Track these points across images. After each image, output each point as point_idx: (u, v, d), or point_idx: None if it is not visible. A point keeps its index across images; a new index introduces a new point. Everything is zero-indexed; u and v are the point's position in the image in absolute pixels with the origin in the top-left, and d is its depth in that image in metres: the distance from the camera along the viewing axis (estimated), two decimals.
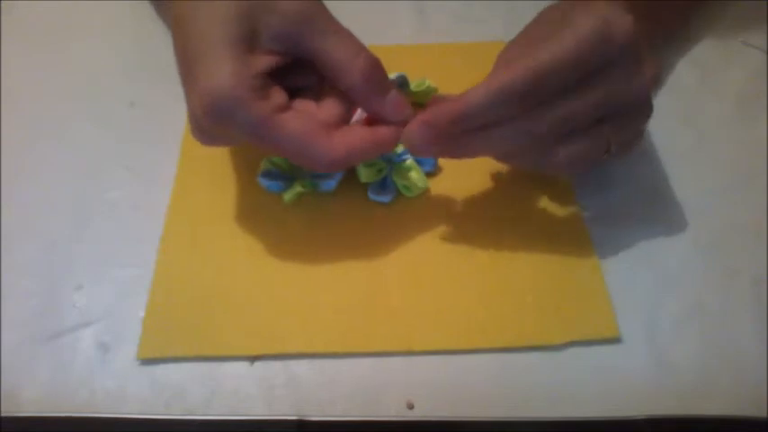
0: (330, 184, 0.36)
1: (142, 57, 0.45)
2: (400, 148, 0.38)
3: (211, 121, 0.30)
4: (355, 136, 0.31)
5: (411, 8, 0.48)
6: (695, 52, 0.44)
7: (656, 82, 0.31)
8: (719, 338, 0.32)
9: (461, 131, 0.30)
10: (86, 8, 0.48)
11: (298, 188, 0.36)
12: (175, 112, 0.41)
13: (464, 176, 0.38)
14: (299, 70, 0.32)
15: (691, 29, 0.45)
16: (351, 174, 0.37)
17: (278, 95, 0.30)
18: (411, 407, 0.30)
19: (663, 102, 0.42)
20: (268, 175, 0.36)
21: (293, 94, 0.32)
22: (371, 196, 0.37)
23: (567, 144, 0.31)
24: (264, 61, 0.30)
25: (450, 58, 0.44)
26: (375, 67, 0.31)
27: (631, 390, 0.31)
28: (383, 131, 0.32)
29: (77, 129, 0.41)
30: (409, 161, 0.37)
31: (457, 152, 0.32)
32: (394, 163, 0.37)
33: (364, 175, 0.36)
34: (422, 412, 0.30)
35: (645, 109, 0.32)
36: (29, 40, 0.46)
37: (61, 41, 0.46)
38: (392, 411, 0.30)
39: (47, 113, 0.42)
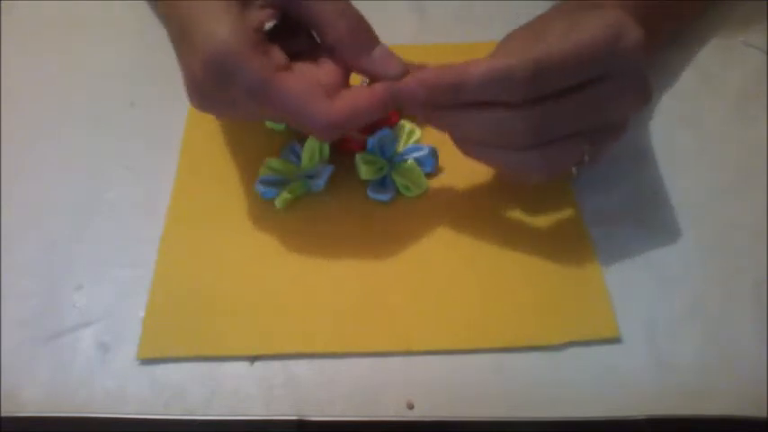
0: (319, 185, 0.36)
1: (142, 57, 0.45)
2: (401, 148, 0.38)
3: (212, 80, 0.29)
4: (355, 97, 0.31)
5: (411, 8, 0.48)
6: (695, 52, 0.44)
7: (645, 100, 0.31)
8: (719, 338, 0.32)
9: (451, 103, 0.30)
10: (86, 8, 0.48)
11: (285, 194, 0.36)
12: (175, 112, 0.41)
13: (464, 177, 0.38)
14: (294, 35, 0.32)
15: (691, 29, 0.45)
16: (350, 173, 0.37)
17: (278, 55, 0.31)
18: (411, 407, 0.30)
19: (663, 102, 0.42)
20: (265, 182, 0.36)
21: (291, 59, 0.32)
22: (371, 195, 0.37)
23: (545, 147, 0.31)
24: (260, 15, 0.30)
25: (450, 58, 0.43)
26: (359, 22, 0.31)
27: (631, 390, 0.31)
28: (379, 87, 0.31)
29: (77, 129, 0.41)
30: (410, 161, 0.37)
31: (440, 122, 0.32)
32: (394, 162, 0.37)
33: (364, 171, 0.36)
34: (421, 412, 0.30)
35: (623, 125, 0.32)
36: (29, 40, 0.46)
37: (61, 42, 0.46)
38: (391, 411, 0.30)
39: (47, 113, 0.42)
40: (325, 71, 0.32)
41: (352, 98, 0.31)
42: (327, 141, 0.33)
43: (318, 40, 0.33)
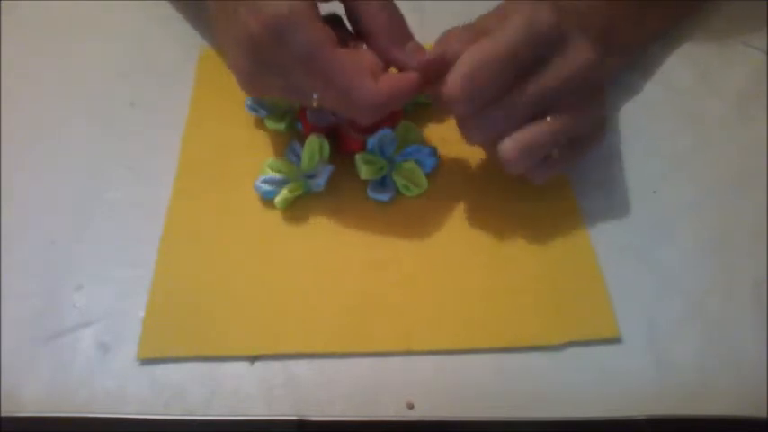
0: (319, 185, 0.37)
1: (142, 57, 0.45)
2: (401, 148, 0.38)
3: (270, 41, 0.30)
4: (395, 79, 0.32)
5: (411, 8, 0.47)
6: (695, 52, 0.44)
7: (593, 65, 0.32)
8: (719, 338, 0.32)
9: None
10: (87, 8, 0.48)
11: (285, 194, 0.36)
12: (175, 112, 0.41)
13: (464, 177, 0.38)
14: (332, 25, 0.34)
15: (690, 29, 0.45)
16: (350, 173, 0.37)
17: (331, 31, 0.32)
18: (411, 407, 0.30)
19: (663, 102, 0.42)
20: (265, 182, 0.36)
21: None
22: (371, 194, 0.37)
23: (514, 134, 0.32)
24: None
25: None
26: (397, 16, 0.34)
27: (631, 390, 0.31)
28: (412, 76, 0.33)
29: (77, 129, 0.41)
30: (410, 161, 0.37)
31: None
32: (394, 162, 0.37)
33: (364, 171, 0.36)
34: (421, 412, 0.30)
35: (586, 93, 0.32)
36: (29, 40, 0.46)
37: (61, 41, 0.46)
38: (391, 411, 0.30)
39: (47, 113, 0.42)
40: (367, 57, 0.33)
41: (393, 80, 0.32)
42: (365, 122, 0.34)
43: (353, 30, 0.34)
